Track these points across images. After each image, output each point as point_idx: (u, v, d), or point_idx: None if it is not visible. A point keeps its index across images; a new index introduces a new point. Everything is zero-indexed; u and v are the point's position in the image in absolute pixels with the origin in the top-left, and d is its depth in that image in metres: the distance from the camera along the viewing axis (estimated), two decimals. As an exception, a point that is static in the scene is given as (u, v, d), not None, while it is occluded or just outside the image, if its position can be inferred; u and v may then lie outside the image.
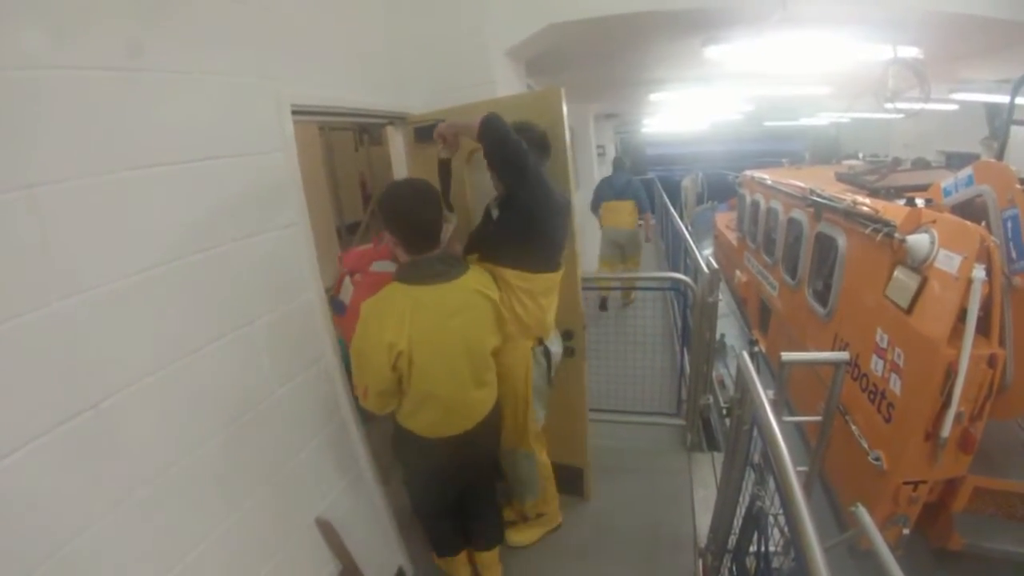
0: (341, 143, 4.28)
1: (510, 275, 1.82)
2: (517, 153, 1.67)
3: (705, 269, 2.83)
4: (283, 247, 1.73)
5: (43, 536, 1.05)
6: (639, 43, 3.53)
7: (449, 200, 1.98)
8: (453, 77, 2.54)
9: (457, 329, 1.62)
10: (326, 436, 1.91)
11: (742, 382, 1.60)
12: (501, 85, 2.56)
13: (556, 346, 2.13)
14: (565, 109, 2.06)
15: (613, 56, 3.80)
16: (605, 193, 6.08)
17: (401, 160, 2.52)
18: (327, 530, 1.79)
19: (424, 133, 2.30)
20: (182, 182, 1.40)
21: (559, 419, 2.53)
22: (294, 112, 1.76)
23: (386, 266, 1.97)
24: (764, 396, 1.41)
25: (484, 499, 2.13)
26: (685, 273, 3.77)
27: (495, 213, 1.92)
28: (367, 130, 4.20)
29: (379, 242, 2.11)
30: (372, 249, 2.14)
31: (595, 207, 6.21)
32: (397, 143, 2.50)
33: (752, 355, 2.72)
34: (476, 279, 1.71)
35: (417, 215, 1.59)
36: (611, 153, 11.13)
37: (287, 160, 1.75)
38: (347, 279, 2.12)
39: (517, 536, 2.46)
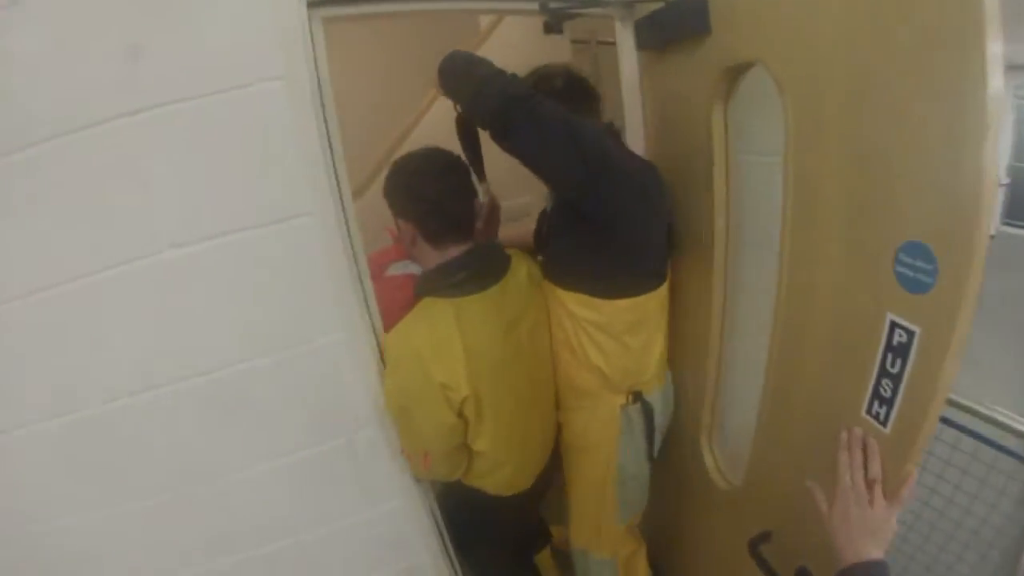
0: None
1: (569, 300, 1.16)
2: (491, 100, 0.94)
3: None
4: (278, 255, 0.99)
5: None
6: None
7: (481, 167, 1.25)
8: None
9: (518, 344, 1.16)
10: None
11: None
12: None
13: (663, 402, 1.29)
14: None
15: None
16: None
17: (632, 82, 1.34)
18: None
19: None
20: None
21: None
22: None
23: (405, 267, 1.34)
24: None
25: None
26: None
27: (549, 204, 1.26)
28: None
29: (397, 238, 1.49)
30: (391, 247, 1.46)
31: None
32: (626, 49, 1.32)
33: None
34: (525, 264, 1.24)
35: (439, 196, 1.10)
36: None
37: (293, 95, 0.93)
38: None
39: None
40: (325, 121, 0.99)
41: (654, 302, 1.16)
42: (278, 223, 0.97)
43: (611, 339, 1.14)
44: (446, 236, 1.11)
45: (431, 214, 1.10)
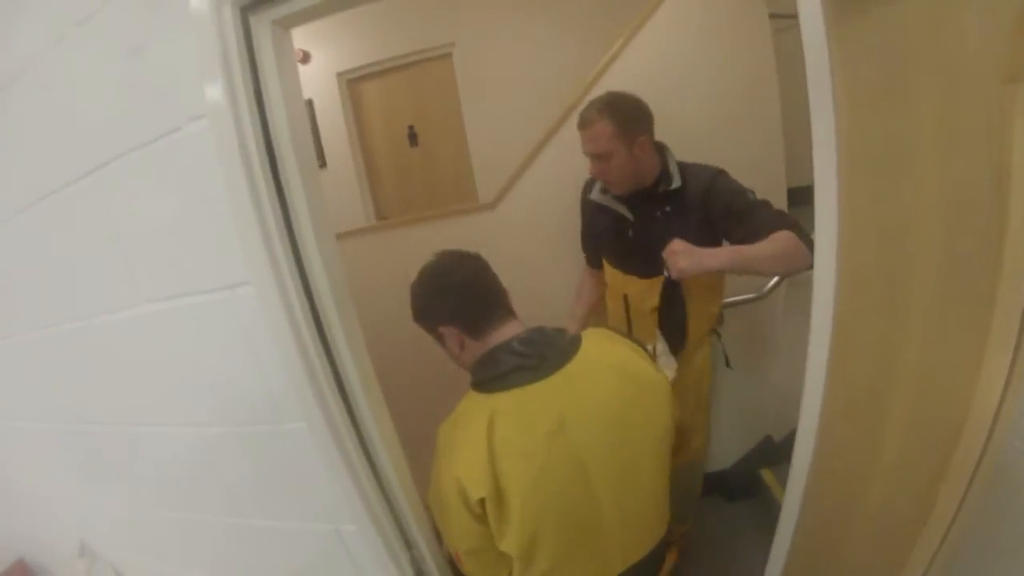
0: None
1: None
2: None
3: None
4: (231, 327, 0.84)
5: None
6: None
7: (682, 333, 1.35)
8: None
9: (569, 451, 0.95)
10: None
11: None
12: None
13: None
14: None
15: None
16: None
17: (819, 47, 0.68)
18: None
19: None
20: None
21: None
22: None
23: None
24: None
25: None
26: None
27: (658, 212, 1.42)
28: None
29: None
30: None
31: None
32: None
33: None
34: (608, 352, 1.03)
35: (466, 281, 1.03)
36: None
37: (219, 135, 0.73)
38: None
39: None
40: (272, 163, 0.76)
41: None
42: (225, 290, 0.82)
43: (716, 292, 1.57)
44: (485, 322, 1.01)
45: (465, 301, 1.02)
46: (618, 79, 1.70)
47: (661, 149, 1.44)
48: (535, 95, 2.91)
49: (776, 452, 1.89)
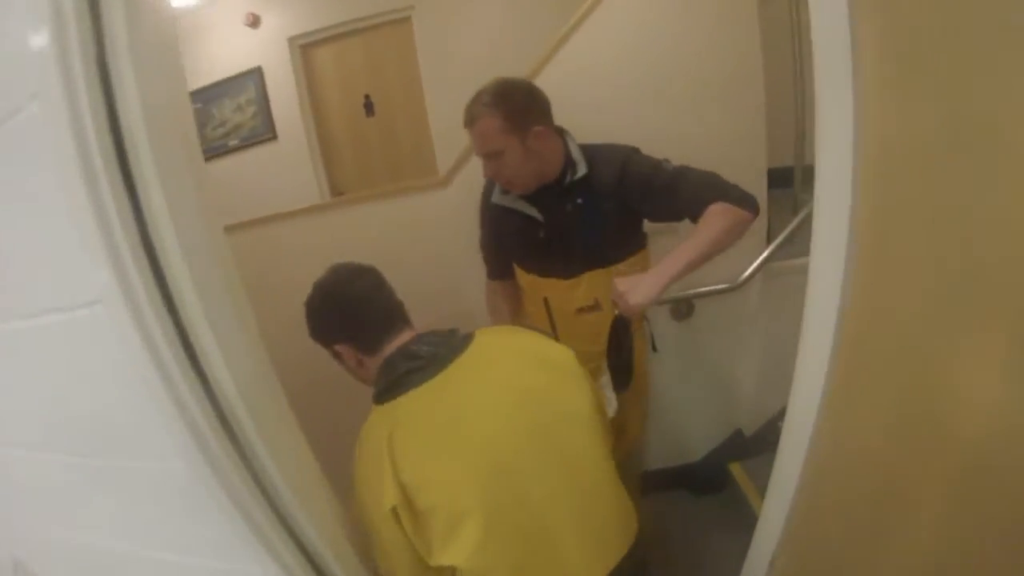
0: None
1: (625, 266, 1.34)
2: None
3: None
4: (90, 348, 0.70)
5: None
6: None
7: (629, 373, 1.21)
8: None
9: (482, 441, 0.91)
10: None
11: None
12: None
13: None
14: None
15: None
16: None
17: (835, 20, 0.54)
18: None
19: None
20: None
21: None
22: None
23: None
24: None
25: None
26: None
27: (568, 206, 1.28)
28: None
29: None
30: None
31: None
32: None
33: None
34: (506, 339, 1.06)
35: (359, 295, 1.02)
36: None
37: (53, 123, 0.58)
38: None
39: None
40: (119, 149, 0.60)
41: None
42: (83, 307, 0.67)
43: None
44: (381, 335, 1.01)
45: (358, 319, 1.01)
46: (584, 49, 1.55)
47: (562, 133, 1.28)
48: (499, 62, 2.71)
49: (746, 446, 1.83)
